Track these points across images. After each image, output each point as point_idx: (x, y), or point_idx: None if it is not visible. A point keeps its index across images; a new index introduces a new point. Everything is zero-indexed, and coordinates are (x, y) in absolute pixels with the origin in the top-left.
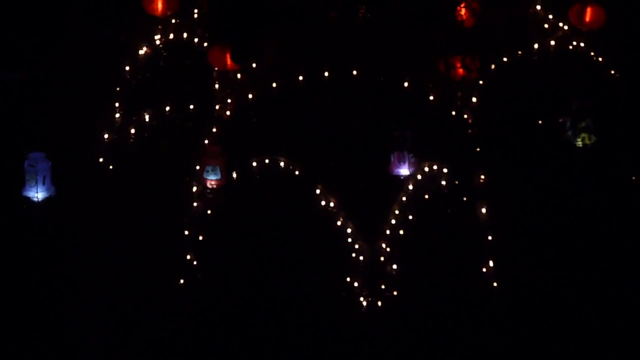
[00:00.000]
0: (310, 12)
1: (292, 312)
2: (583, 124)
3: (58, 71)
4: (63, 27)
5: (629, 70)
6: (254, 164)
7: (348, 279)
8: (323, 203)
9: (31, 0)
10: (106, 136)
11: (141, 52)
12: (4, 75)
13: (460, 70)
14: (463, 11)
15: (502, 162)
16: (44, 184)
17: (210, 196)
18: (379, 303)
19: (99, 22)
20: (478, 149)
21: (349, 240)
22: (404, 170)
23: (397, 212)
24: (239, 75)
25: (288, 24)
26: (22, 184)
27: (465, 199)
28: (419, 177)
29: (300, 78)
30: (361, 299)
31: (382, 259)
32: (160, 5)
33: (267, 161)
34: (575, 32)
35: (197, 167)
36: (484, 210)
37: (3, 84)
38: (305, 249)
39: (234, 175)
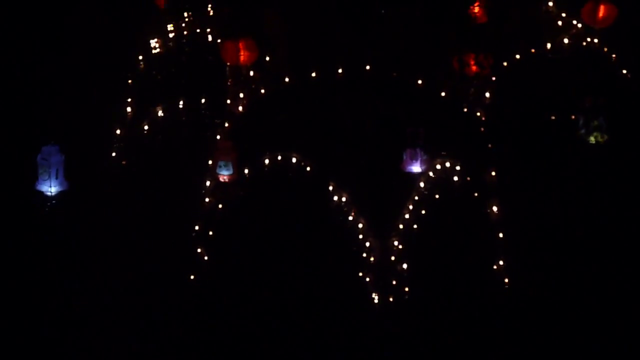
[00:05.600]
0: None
1: (304, 307)
2: (596, 122)
3: (71, 65)
4: (77, 22)
5: None
6: (266, 159)
7: (360, 275)
8: (335, 199)
9: None
10: (118, 131)
11: (154, 47)
12: None
13: (474, 67)
14: (477, 9)
15: (514, 159)
16: (57, 177)
17: (223, 191)
18: (391, 299)
19: (113, 18)
20: (490, 146)
21: (361, 236)
22: (416, 168)
23: (409, 208)
24: (251, 72)
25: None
26: (35, 178)
27: (477, 196)
28: (431, 174)
29: (313, 74)
30: (373, 295)
31: (393, 255)
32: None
33: (279, 157)
34: (589, 30)
35: (210, 163)
36: (495, 208)
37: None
38: (317, 244)
39: (246, 170)
